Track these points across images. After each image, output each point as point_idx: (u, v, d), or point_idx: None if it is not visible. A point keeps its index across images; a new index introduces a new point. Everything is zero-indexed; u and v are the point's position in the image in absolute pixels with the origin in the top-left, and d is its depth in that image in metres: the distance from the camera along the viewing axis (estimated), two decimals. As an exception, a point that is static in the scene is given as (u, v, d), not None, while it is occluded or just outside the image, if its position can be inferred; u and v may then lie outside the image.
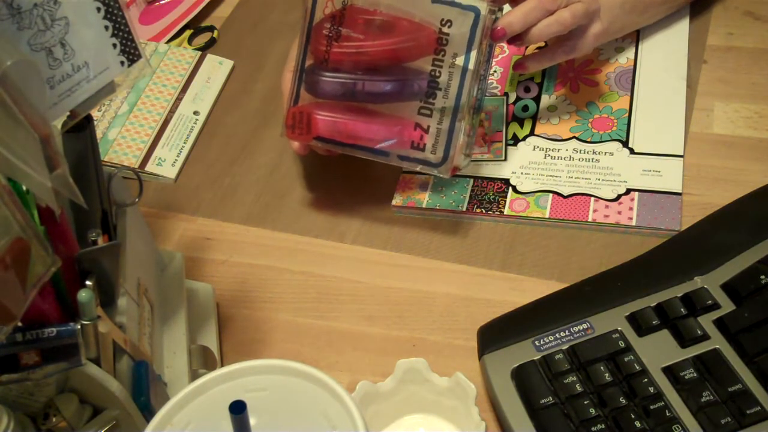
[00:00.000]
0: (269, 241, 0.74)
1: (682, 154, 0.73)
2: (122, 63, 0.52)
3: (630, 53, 0.82)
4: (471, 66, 0.65)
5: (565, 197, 0.72)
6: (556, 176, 0.73)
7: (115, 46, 0.52)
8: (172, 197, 0.79)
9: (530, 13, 0.68)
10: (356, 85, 0.66)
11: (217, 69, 0.90)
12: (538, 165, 0.74)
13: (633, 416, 0.54)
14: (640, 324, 0.58)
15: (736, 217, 0.65)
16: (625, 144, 0.75)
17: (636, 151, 0.74)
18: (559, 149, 0.75)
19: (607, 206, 0.70)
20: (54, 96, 0.49)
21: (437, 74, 0.65)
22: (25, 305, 0.42)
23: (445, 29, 0.65)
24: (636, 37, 0.83)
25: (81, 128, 0.52)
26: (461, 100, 0.65)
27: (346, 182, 0.77)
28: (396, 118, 0.67)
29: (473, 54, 0.65)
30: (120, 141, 0.83)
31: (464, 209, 0.72)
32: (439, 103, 0.66)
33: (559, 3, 0.69)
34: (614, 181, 0.72)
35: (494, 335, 0.61)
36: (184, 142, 0.83)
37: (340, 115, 0.68)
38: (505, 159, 0.76)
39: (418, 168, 0.68)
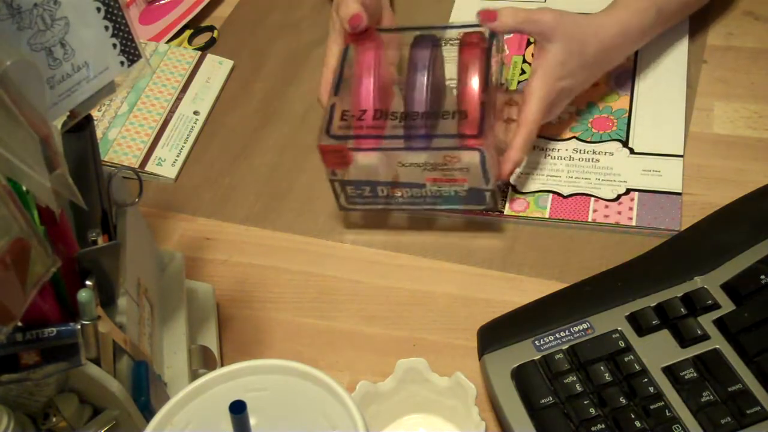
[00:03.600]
0: (269, 241, 0.74)
1: (682, 154, 0.73)
2: (122, 63, 0.52)
3: (630, 53, 0.82)
4: None
5: (565, 197, 0.72)
6: (556, 176, 0.73)
7: (115, 46, 0.52)
8: (172, 197, 0.79)
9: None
10: None
11: (217, 69, 0.90)
12: (537, 165, 0.74)
13: (633, 416, 0.54)
14: (640, 324, 0.58)
15: (736, 217, 0.65)
16: (625, 144, 0.75)
17: (636, 151, 0.74)
18: (558, 149, 0.75)
19: (607, 206, 0.70)
20: (54, 96, 0.49)
21: None
22: (25, 305, 0.42)
23: None
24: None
25: (81, 128, 0.52)
26: None
27: (346, 182, 0.77)
28: None
29: None
30: (120, 141, 0.83)
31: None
32: None
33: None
34: (614, 181, 0.72)
35: (494, 335, 0.61)
36: (184, 142, 0.83)
37: None
38: (505, 159, 0.75)
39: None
